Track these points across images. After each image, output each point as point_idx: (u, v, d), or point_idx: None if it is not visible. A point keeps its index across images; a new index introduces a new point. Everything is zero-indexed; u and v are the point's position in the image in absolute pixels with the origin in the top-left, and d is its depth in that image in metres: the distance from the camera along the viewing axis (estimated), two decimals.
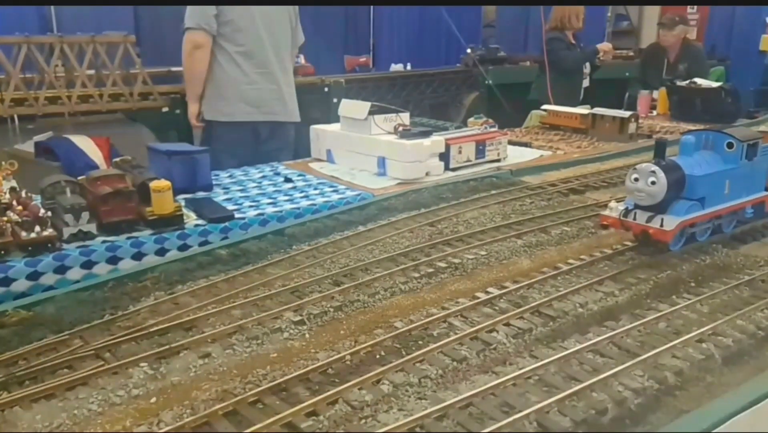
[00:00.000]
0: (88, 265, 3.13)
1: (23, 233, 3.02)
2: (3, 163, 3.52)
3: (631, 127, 5.95)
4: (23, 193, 3.34)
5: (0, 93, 5.72)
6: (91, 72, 6.13)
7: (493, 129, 5.40)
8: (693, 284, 2.91)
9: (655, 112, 7.58)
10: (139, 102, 6.31)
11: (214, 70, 5.51)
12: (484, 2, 11.88)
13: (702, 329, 2.45)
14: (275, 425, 1.90)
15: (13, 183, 3.40)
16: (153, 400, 2.06)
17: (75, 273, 3.08)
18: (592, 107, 6.49)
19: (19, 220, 3.07)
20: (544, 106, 6.92)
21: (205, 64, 5.44)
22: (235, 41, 5.44)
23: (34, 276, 2.97)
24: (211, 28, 5.34)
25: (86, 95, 6.05)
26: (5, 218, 3.08)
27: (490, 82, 8.93)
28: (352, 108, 4.78)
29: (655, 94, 7.65)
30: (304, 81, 7.16)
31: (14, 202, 3.21)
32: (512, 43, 11.78)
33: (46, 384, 2.10)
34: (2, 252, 2.99)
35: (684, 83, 6.97)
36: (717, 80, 7.80)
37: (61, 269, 3.04)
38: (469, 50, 9.26)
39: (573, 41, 8.41)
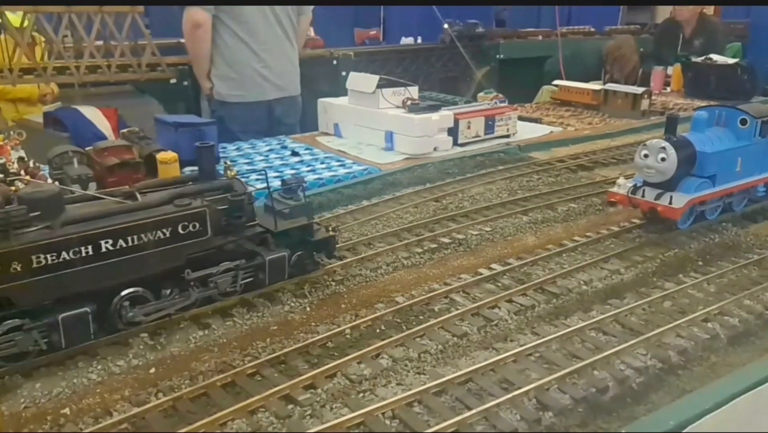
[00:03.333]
0: None
1: None
2: (11, 133, 3.51)
3: (644, 103, 5.86)
4: (31, 163, 3.33)
5: (9, 62, 5.69)
6: (100, 42, 6.08)
7: (503, 104, 5.33)
8: (701, 263, 2.88)
9: (669, 89, 7.45)
10: (147, 73, 6.24)
11: (221, 49, 5.41)
12: (492, 2, 11.60)
13: (708, 309, 2.42)
14: (273, 397, 1.91)
15: (22, 153, 3.40)
16: (152, 370, 2.06)
17: None
18: (604, 83, 6.39)
19: None
20: (556, 82, 6.82)
21: (207, 43, 5.30)
22: (237, 18, 5.34)
23: None
24: (209, 6, 5.19)
25: (94, 66, 6.00)
26: (13, 188, 3.07)
27: (469, 60, 8.69)
28: (360, 81, 4.73)
29: (670, 70, 7.52)
30: (312, 54, 7.08)
31: (22, 172, 3.20)
32: (525, 16, 11.60)
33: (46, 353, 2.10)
34: None
35: (699, 59, 6.84)
36: (733, 56, 7.64)
37: None
38: (446, 26, 8.98)
39: (603, 77, 8.05)
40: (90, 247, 2.03)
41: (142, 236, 2.13)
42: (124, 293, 2.16)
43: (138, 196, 2.26)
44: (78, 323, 2.05)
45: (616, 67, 7.63)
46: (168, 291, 2.26)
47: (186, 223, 2.21)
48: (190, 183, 2.44)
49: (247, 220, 2.45)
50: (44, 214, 2.01)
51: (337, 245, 2.76)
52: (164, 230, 2.17)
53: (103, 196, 2.27)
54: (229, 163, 2.60)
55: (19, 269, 1.92)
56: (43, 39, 5.18)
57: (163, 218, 2.17)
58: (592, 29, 9.86)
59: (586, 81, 6.87)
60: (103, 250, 2.06)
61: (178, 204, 2.23)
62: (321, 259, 2.72)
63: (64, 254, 1.99)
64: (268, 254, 2.43)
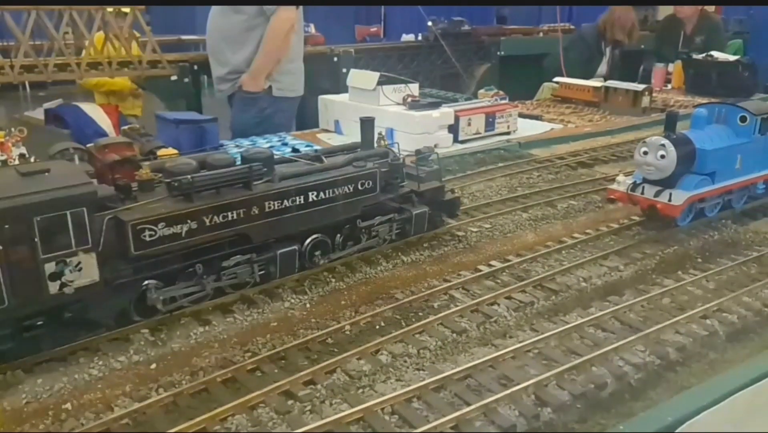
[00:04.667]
0: None
1: None
2: (12, 129, 3.51)
3: (645, 100, 5.87)
4: (32, 160, 3.34)
5: (10, 60, 5.69)
6: None
7: (503, 101, 5.33)
8: (700, 260, 2.88)
9: (669, 86, 7.45)
10: (147, 70, 6.25)
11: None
12: (494, 2, 11.57)
13: (707, 305, 2.43)
14: (273, 392, 1.92)
15: (23, 150, 3.40)
16: (153, 366, 2.07)
17: None
18: (605, 80, 6.39)
19: None
20: (556, 79, 6.82)
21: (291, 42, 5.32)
22: (304, 15, 5.34)
23: None
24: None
25: (95, 62, 6.01)
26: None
27: (452, 56, 8.63)
28: (360, 78, 4.73)
29: (671, 67, 7.51)
30: (313, 51, 7.07)
31: None
32: (526, 14, 11.59)
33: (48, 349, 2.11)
34: None
35: (700, 56, 6.84)
36: (735, 53, 7.63)
37: None
38: (430, 23, 8.94)
39: (604, 50, 8.01)
40: (302, 197, 2.54)
41: (335, 189, 2.64)
42: (313, 237, 2.64)
43: (324, 159, 2.78)
44: (289, 259, 2.56)
45: (617, 29, 7.63)
46: (341, 237, 2.74)
47: (363, 181, 2.72)
48: (345, 152, 2.95)
49: (401, 181, 2.96)
50: (266, 171, 2.49)
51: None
52: (349, 186, 2.68)
53: (296, 159, 2.82)
54: (382, 134, 3.08)
55: (256, 212, 2.42)
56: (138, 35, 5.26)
57: (349, 176, 2.69)
58: (572, 26, 9.86)
59: (587, 71, 6.84)
60: (310, 200, 2.57)
61: (356, 165, 2.74)
62: (444, 218, 3.13)
63: (285, 202, 2.50)
64: (414, 210, 2.93)
